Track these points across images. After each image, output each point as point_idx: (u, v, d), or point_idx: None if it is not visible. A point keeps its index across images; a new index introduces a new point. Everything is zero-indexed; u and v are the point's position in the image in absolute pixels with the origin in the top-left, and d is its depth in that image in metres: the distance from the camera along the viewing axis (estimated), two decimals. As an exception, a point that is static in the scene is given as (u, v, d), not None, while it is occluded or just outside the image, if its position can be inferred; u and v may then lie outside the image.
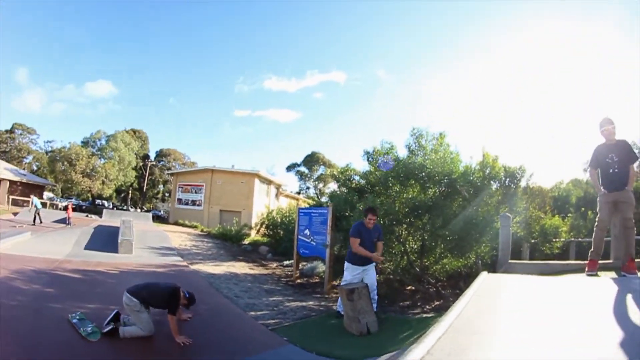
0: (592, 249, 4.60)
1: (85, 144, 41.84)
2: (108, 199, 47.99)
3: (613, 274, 4.45)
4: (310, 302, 7.48)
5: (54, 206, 31.18)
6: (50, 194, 42.78)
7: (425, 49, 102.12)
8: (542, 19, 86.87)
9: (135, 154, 45.78)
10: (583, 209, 14.77)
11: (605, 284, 3.90)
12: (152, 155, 55.27)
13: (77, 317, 4.73)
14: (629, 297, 3.10)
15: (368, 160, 9.20)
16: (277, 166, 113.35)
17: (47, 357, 3.81)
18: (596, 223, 4.62)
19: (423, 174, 7.93)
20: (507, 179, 8.39)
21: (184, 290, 4.87)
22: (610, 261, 5.08)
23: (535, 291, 3.79)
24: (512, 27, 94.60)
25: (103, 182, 38.87)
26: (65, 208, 21.56)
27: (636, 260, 4.46)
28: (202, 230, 24.49)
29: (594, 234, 4.63)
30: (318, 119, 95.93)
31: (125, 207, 46.23)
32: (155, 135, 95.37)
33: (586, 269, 4.57)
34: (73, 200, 38.89)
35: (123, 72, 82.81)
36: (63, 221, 19.48)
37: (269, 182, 32.43)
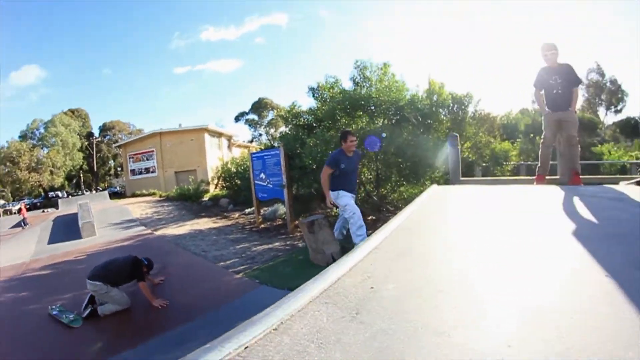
0: (538, 165, 4.97)
1: (23, 137, 39.17)
2: (60, 188, 45.41)
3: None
4: (277, 244, 7.89)
5: (7, 212, 29.49)
6: (1, 201, 40.32)
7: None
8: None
9: (78, 134, 43.22)
10: (532, 135, 15.76)
11: (551, 190, 4.06)
12: (96, 132, 51.88)
13: (57, 309, 4.95)
14: (569, 196, 3.45)
15: (314, 96, 9.11)
16: (227, 118, 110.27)
17: (38, 355, 4.04)
18: (542, 141, 4.92)
19: (370, 104, 7.98)
20: (455, 106, 8.45)
21: (140, 257, 5.14)
22: (557, 177, 5.31)
23: (482, 197, 4.05)
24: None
25: (51, 172, 36.97)
26: (19, 210, 20.71)
27: (581, 176, 4.73)
28: (160, 196, 24.33)
29: (539, 151, 4.97)
30: (263, 65, 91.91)
31: (79, 192, 44.22)
32: (96, 111, 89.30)
33: (534, 183, 4.86)
34: (25, 200, 36.79)
35: (48, 51, 73.46)
36: (20, 224, 18.84)
37: (219, 135, 31.73)
